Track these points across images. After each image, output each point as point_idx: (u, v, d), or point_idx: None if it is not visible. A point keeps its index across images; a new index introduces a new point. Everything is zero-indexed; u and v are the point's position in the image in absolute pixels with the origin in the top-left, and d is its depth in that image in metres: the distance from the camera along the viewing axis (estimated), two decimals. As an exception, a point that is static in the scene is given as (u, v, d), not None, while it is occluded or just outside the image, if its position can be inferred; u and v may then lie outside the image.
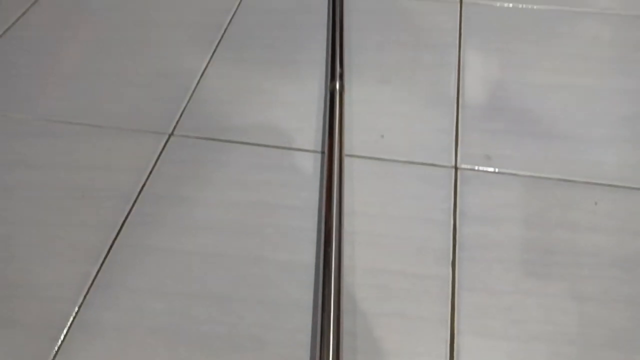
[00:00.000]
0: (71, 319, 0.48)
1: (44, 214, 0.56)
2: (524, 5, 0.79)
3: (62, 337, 0.47)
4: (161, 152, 0.61)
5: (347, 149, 0.61)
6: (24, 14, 0.82)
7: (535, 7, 0.78)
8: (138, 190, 0.57)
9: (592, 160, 0.58)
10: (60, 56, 0.74)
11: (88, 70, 0.72)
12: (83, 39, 0.77)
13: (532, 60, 0.70)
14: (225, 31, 0.76)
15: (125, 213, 0.55)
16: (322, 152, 0.61)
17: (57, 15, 0.81)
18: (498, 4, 0.79)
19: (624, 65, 0.70)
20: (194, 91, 0.68)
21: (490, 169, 0.58)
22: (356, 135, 0.62)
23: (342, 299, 0.47)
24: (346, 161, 0.60)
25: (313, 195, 0.56)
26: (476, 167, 0.58)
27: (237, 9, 0.80)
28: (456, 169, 0.58)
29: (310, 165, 0.59)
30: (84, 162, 0.60)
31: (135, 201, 0.56)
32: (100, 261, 0.52)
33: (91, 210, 0.56)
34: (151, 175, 0.59)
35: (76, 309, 0.49)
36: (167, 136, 0.63)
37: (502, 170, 0.58)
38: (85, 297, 0.50)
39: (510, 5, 0.79)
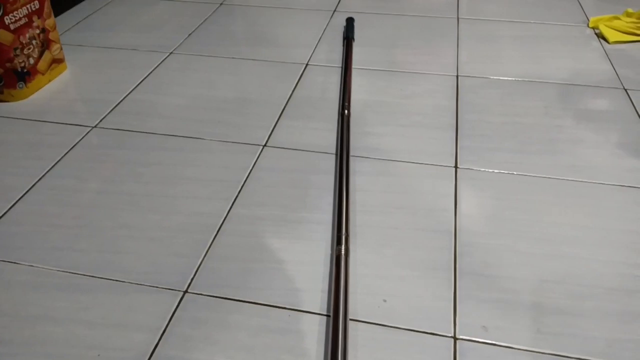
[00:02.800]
0: None
1: (59, 373, 0.58)
2: (517, 173, 0.86)
3: None
4: (175, 311, 0.65)
5: (351, 313, 0.64)
6: (58, 162, 0.90)
7: (529, 174, 0.86)
8: (150, 351, 0.60)
9: (583, 335, 0.62)
10: (89, 207, 0.81)
11: (114, 222, 0.78)
12: (112, 190, 0.84)
13: (525, 228, 0.76)
14: (241, 188, 0.84)
15: (137, 375, 0.58)
16: (328, 316, 0.64)
17: (89, 166, 0.89)
18: (490, 170, 0.87)
19: (613, 236, 0.75)
20: (209, 247, 0.73)
21: (487, 341, 0.61)
22: (360, 298, 0.66)
23: None
24: (350, 325, 0.63)
25: (318, 361, 0.59)
26: (474, 339, 0.61)
27: (252, 167, 0.88)
28: (455, 339, 0.61)
29: (315, 330, 0.62)
30: (102, 319, 0.64)
31: (147, 363, 0.59)
32: None
33: (105, 371, 0.58)
34: (164, 335, 0.62)
35: None
36: (181, 294, 0.67)
37: (499, 342, 0.61)
38: None
39: (502, 171, 0.87)
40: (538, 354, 0.59)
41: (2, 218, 0.79)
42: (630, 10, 1.35)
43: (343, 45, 1.27)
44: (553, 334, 0.62)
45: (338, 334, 0.59)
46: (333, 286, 0.66)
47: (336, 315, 0.61)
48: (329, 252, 0.73)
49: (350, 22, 1.33)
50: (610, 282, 0.68)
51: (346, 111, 0.98)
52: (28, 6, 1.03)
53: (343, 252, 0.69)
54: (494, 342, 0.61)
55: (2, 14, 0.98)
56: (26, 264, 0.71)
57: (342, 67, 1.18)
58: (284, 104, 1.05)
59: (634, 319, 0.63)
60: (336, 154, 0.91)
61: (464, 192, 0.83)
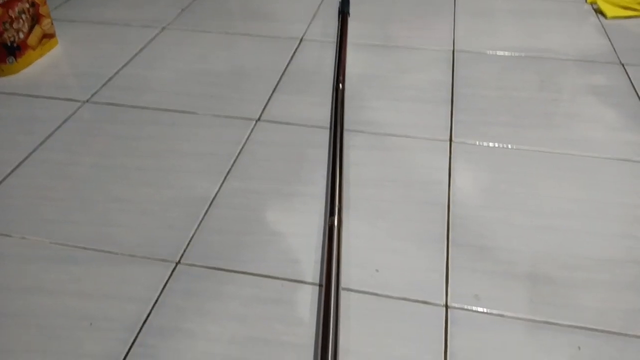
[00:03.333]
0: None
1: (52, 343, 0.58)
2: (512, 146, 0.86)
3: None
4: (167, 281, 0.65)
5: (343, 282, 0.64)
6: (49, 136, 0.89)
7: (524, 148, 0.86)
8: (142, 320, 0.60)
9: (576, 303, 0.62)
10: (82, 181, 0.80)
11: (107, 195, 0.77)
12: (105, 164, 0.83)
13: (519, 201, 0.76)
14: (234, 162, 0.83)
15: (129, 345, 0.58)
16: (320, 285, 0.64)
17: (82, 139, 0.88)
18: (485, 144, 0.86)
19: (606, 208, 0.75)
20: (202, 220, 0.73)
21: (479, 309, 0.61)
22: (353, 268, 0.66)
23: None
24: (343, 295, 0.63)
25: (310, 331, 0.59)
26: (466, 307, 0.61)
27: (246, 141, 0.87)
28: (447, 307, 0.61)
29: (308, 299, 0.62)
30: (95, 290, 0.63)
31: (138, 333, 0.59)
32: (102, 394, 0.53)
33: (97, 341, 0.58)
34: (156, 306, 0.62)
35: None
36: (174, 264, 0.67)
37: (490, 310, 0.61)
38: None
39: (497, 145, 0.86)
40: (530, 322, 0.60)
41: (-7, 191, 0.78)
42: (628, -15, 1.33)
43: (338, 20, 1.25)
44: (546, 303, 0.62)
45: (330, 303, 0.59)
46: (325, 256, 0.66)
47: (328, 284, 0.61)
48: (322, 224, 0.72)
49: (345, -4, 1.32)
50: (603, 253, 0.68)
51: (340, 85, 0.97)
52: (17, -22, 1.01)
53: (336, 222, 0.69)
54: (485, 310, 0.61)
55: (-10, -15, 0.96)
56: (18, 235, 0.71)
57: (337, 42, 1.16)
58: (277, 79, 1.04)
59: (625, 288, 0.64)
60: (330, 128, 0.90)
61: (459, 165, 0.82)
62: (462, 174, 0.80)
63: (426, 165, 0.82)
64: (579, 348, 0.57)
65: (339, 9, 1.31)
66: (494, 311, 0.61)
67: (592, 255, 0.68)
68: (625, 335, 0.59)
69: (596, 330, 0.59)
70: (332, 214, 0.71)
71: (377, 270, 0.66)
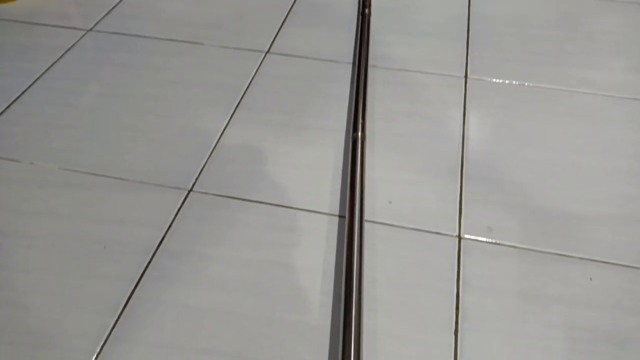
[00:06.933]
0: (88, 369, 0.50)
1: (66, 264, 0.58)
2: (529, 84, 0.84)
3: (78, 388, 0.49)
4: (180, 208, 0.64)
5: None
6: (54, 64, 0.87)
7: (540, 85, 0.84)
8: (156, 244, 0.60)
9: (587, 237, 0.62)
10: (88, 109, 0.78)
11: (115, 124, 0.76)
12: (111, 93, 0.81)
13: (533, 136, 0.75)
14: (244, 94, 0.81)
15: (144, 267, 0.58)
16: (335, 215, 0.64)
17: (86, 68, 0.86)
18: (500, 81, 0.84)
19: (619, 146, 0.74)
20: (213, 149, 0.72)
21: (492, 240, 0.61)
22: (367, 199, 0.66)
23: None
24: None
25: (324, 257, 0.59)
26: (478, 238, 0.61)
27: (255, 74, 0.85)
28: (460, 238, 0.61)
29: (322, 228, 0.62)
30: (107, 215, 0.63)
31: (153, 255, 0.59)
32: (118, 314, 0.54)
33: (111, 263, 0.58)
34: (170, 230, 0.62)
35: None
36: (186, 192, 0.66)
37: (502, 242, 0.61)
38: (102, 348, 0.52)
39: (515, 82, 0.84)
40: (543, 253, 0.60)
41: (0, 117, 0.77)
42: None
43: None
44: (558, 236, 0.62)
45: (354, 228, 0.58)
46: (349, 177, 0.65)
47: (352, 212, 0.60)
48: (335, 156, 0.71)
49: None
50: (614, 189, 0.68)
51: (367, 9, 0.95)
52: None
53: (360, 138, 0.69)
54: (498, 241, 0.61)
55: None
56: (27, 161, 0.70)
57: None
58: (287, 10, 1.00)
59: (636, 222, 0.64)
60: (355, 43, 0.88)
61: (474, 101, 0.81)
62: (477, 110, 0.79)
63: (441, 101, 0.80)
64: (591, 279, 0.58)
65: None
66: (507, 242, 0.61)
67: (604, 190, 0.68)
68: (636, 268, 0.59)
69: (608, 263, 0.59)
70: (355, 129, 0.70)
71: (390, 202, 0.65)
